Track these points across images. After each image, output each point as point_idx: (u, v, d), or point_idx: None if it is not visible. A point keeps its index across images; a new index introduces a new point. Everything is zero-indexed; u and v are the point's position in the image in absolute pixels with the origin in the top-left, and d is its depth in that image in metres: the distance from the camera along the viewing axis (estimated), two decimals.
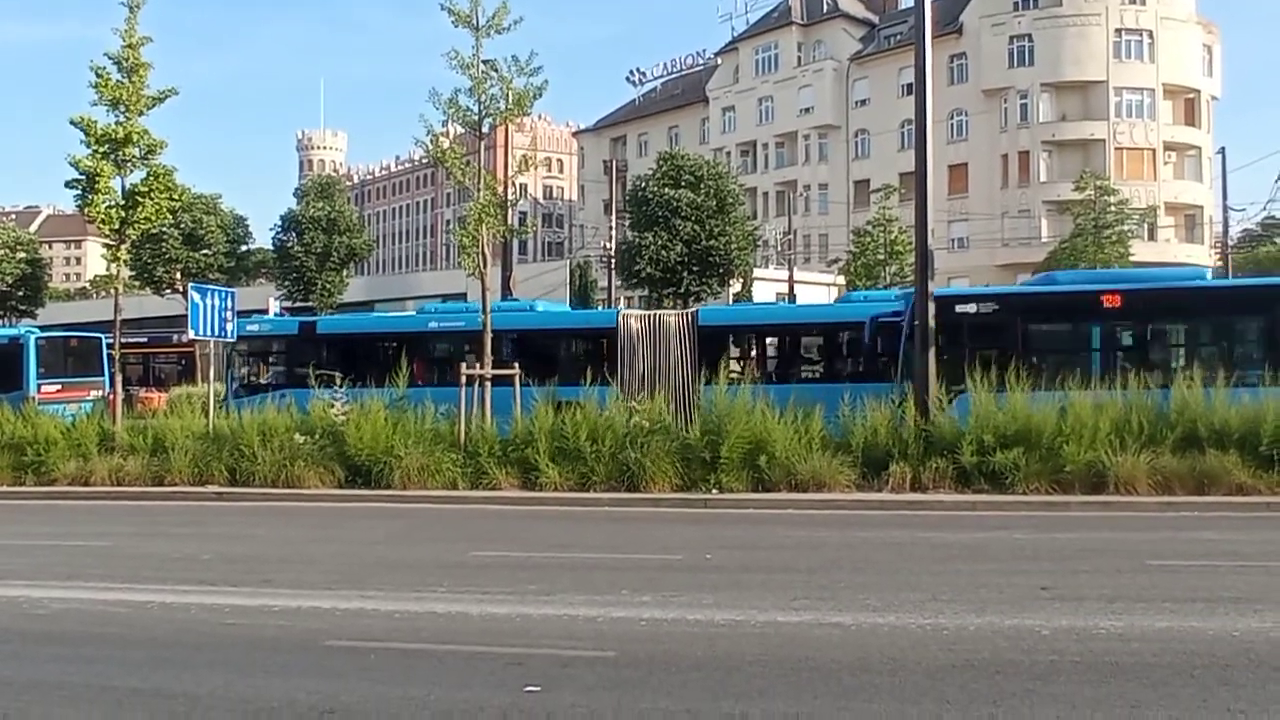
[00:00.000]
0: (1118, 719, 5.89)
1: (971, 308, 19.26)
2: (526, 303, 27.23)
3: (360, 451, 16.91)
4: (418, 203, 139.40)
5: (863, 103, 69.35)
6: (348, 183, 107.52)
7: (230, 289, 23.15)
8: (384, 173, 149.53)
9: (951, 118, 61.74)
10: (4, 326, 44.41)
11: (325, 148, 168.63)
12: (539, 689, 6.52)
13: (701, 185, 45.56)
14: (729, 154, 72.38)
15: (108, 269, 20.33)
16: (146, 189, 19.29)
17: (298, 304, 54.52)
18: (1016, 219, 59.10)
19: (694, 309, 27.17)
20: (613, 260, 47.91)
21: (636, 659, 7.17)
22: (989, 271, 55.21)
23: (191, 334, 20.37)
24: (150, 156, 19.43)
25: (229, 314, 20.17)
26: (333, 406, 18.05)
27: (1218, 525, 12.78)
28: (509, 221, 19.86)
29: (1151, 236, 55.94)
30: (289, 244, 56.07)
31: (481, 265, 18.54)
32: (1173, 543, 11.74)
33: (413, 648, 7.65)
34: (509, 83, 18.45)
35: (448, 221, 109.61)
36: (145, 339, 41.07)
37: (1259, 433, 14.67)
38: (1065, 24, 59.50)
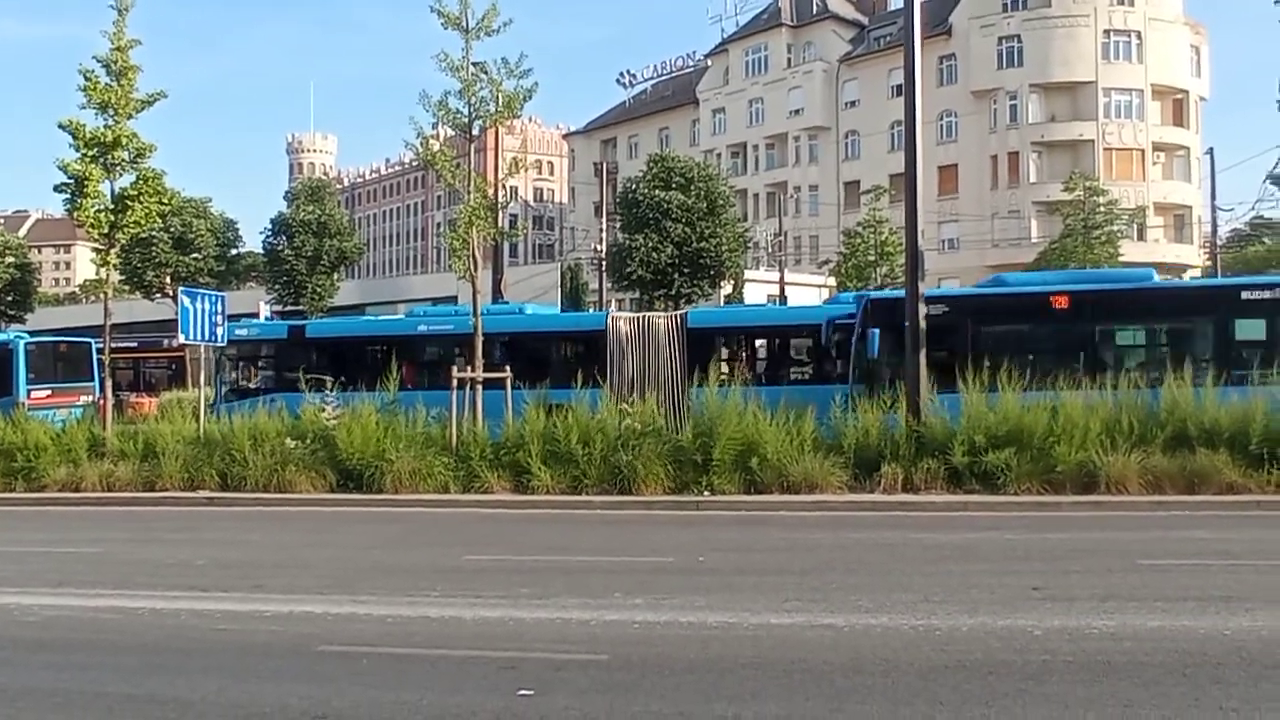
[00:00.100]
0: (1110, 718, 5.91)
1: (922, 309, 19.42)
2: (516, 306, 27.22)
3: (351, 456, 16.88)
4: (408, 206, 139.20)
5: (852, 104, 69.51)
6: (338, 186, 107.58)
7: (220, 293, 23.11)
8: (374, 176, 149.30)
9: (941, 119, 61.90)
10: None
11: (315, 150, 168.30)
12: (532, 693, 6.52)
13: (692, 187, 45.61)
14: (719, 155, 72.50)
15: (97, 273, 20.25)
16: (136, 193, 19.22)
17: (288, 308, 54.43)
18: (1006, 220, 59.26)
19: (683, 311, 27.19)
20: (604, 263, 47.94)
21: (629, 662, 7.17)
22: (980, 272, 55.08)
23: (182, 338, 20.29)
24: (139, 160, 19.36)
25: (219, 318, 20.13)
26: (324, 411, 18.02)
27: (1209, 524, 12.82)
28: (499, 224, 19.87)
29: (1141, 237, 56.12)
30: (279, 247, 55.98)
31: (472, 268, 18.53)
32: (1164, 542, 11.78)
33: (405, 652, 7.65)
34: (499, 85, 18.45)
35: (438, 224, 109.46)
36: (135, 343, 40.92)
37: (1249, 432, 14.73)
38: (1054, 25, 59.70)
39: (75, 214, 19.62)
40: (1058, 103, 60.22)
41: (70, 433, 19.32)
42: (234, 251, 61.75)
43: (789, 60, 72.98)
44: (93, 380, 28.26)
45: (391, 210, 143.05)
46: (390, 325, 27.39)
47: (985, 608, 8.41)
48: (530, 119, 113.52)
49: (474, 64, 18.48)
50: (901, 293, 23.90)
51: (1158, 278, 21.00)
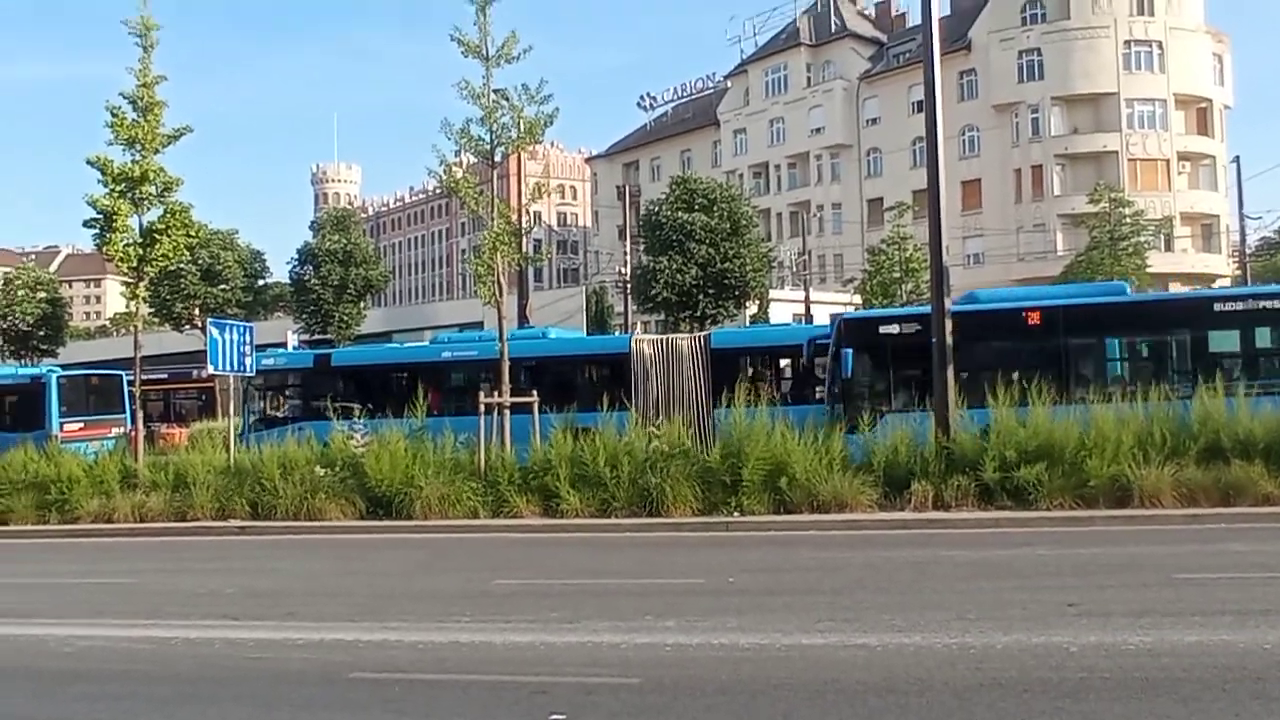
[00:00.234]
0: None
1: (895, 328, 19.45)
2: (539, 330, 27.31)
3: (381, 483, 16.94)
4: (432, 233, 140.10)
5: (873, 121, 69.50)
6: (363, 215, 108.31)
7: (248, 323, 23.32)
8: (398, 204, 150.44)
9: (963, 134, 61.78)
10: (26, 366, 44.71)
11: (340, 180, 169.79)
12: (564, 717, 6.50)
13: (715, 208, 45.59)
14: (741, 176, 72.58)
15: (127, 306, 20.48)
16: (164, 226, 19.41)
17: (316, 336, 54.73)
18: (1031, 233, 59.00)
19: (706, 332, 27.19)
20: (628, 285, 47.98)
21: (661, 685, 7.14)
22: (1005, 287, 55.03)
23: (211, 369, 20.48)
24: (167, 194, 19.56)
25: (248, 348, 20.29)
26: (352, 438, 18.10)
27: (1245, 537, 12.66)
28: (524, 249, 19.91)
29: (1168, 247, 55.76)
30: (306, 277, 56.33)
31: (497, 293, 18.58)
32: (1199, 555, 11.64)
33: (437, 678, 7.64)
34: (520, 111, 18.56)
35: (463, 251, 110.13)
36: (165, 375, 41.26)
37: None
38: (1074, 37, 59.55)
39: (105, 249, 19.83)
40: (1080, 115, 59.99)
41: (102, 465, 19.48)
42: (261, 282, 62.18)
43: (809, 79, 73.09)
44: (124, 412, 28.53)
45: (416, 238, 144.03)
46: (415, 352, 27.54)
47: (1020, 625, 8.32)
48: (552, 144, 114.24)
49: (495, 91, 18.60)
50: (874, 313, 24.46)
51: (1130, 291, 21.05)
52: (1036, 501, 14.62)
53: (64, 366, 36.59)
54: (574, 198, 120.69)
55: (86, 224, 19.69)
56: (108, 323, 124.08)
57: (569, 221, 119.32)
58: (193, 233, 20.38)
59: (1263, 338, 18.81)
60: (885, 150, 67.81)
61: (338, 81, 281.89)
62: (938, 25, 17.39)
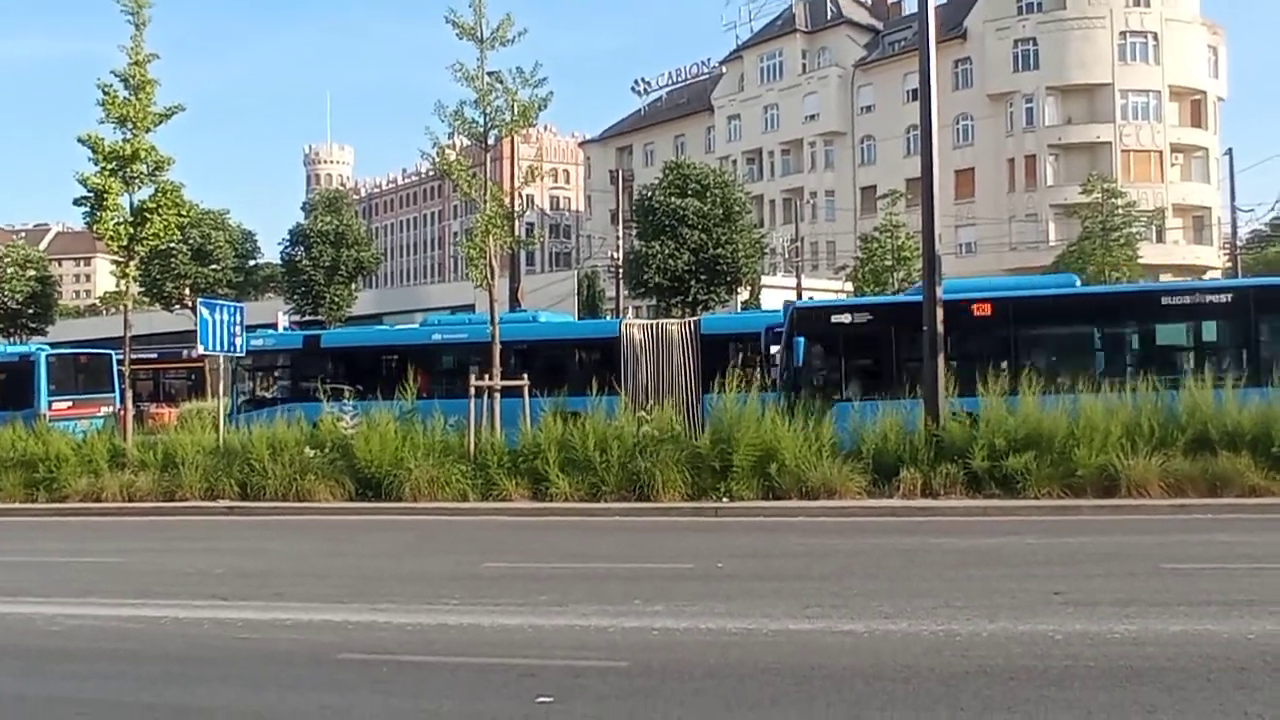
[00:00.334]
0: None
1: (846, 318, 19.55)
2: (529, 314, 27.28)
3: (370, 464, 16.92)
4: (425, 215, 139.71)
5: (868, 109, 69.46)
6: (355, 196, 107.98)
7: (239, 304, 23.23)
8: (391, 186, 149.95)
9: (957, 122, 61.78)
10: (15, 344, 44.56)
11: (332, 161, 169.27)
12: (552, 700, 6.52)
13: (708, 194, 45.59)
14: (735, 162, 72.51)
15: (117, 285, 20.32)
16: (155, 205, 19.33)
17: (307, 318, 54.67)
18: (1024, 223, 59.05)
19: (696, 318, 27.20)
20: (620, 270, 47.96)
21: (649, 668, 7.16)
22: (997, 276, 55.11)
23: (201, 349, 20.41)
24: (158, 173, 19.47)
25: (238, 329, 20.23)
26: (341, 420, 18.08)
27: (1231, 527, 12.70)
28: (516, 233, 19.87)
29: (1160, 239, 55.83)
30: (297, 258, 56.24)
31: (489, 277, 18.56)
32: (1186, 545, 11.69)
33: (425, 660, 7.66)
34: (514, 94, 18.52)
35: (455, 234, 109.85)
36: (155, 355, 41.24)
37: (1271, 435, 14.62)
38: (1069, 27, 59.52)
39: (95, 227, 19.74)
40: (1074, 105, 60.02)
41: (91, 444, 19.43)
42: (252, 262, 62.15)
43: (804, 66, 72.99)
44: (113, 391, 28.45)
45: (408, 220, 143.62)
46: (405, 334, 27.50)
47: (1006, 613, 8.36)
48: (546, 128, 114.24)
49: (489, 74, 18.54)
50: (826, 302, 24.66)
51: (1079, 283, 21.36)
52: (1025, 490, 14.66)
53: (53, 345, 36.55)
54: (567, 182, 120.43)
55: (77, 202, 19.59)
56: (97, 301, 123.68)
57: (562, 206, 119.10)
58: (184, 212, 20.28)
59: (1208, 331, 19.20)
60: (879, 138, 67.84)
61: (331, 61, 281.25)
62: (934, 13, 17.35)
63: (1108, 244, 46.96)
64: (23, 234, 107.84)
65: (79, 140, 19.15)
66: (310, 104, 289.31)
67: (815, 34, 73.52)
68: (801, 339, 18.67)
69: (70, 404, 27.61)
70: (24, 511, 18.03)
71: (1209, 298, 19.42)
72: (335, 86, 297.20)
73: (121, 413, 22.45)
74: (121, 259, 19.87)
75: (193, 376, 40.24)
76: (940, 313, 16.66)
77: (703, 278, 45.01)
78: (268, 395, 26.09)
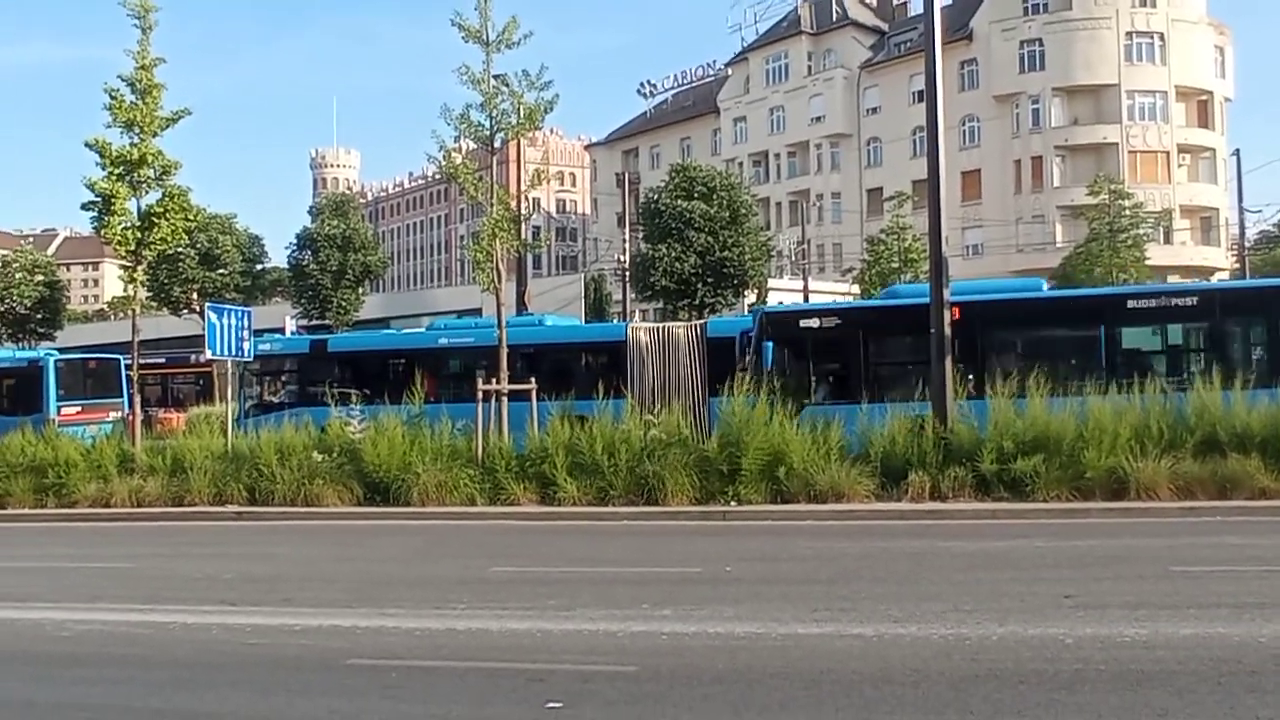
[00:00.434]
0: None
1: (815, 322, 19.58)
2: (535, 317, 27.30)
3: (378, 469, 16.94)
4: (431, 219, 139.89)
5: (874, 110, 69.39)
6: (361, 200, 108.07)
7: (246, 308, 23.28)
8: (397, 189, 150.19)
9: (963, 124, 61.70)
10: (23, 349, 44.69)
11: (339, 165, 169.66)
12: (561, 705, 6.51)
13: (714, 196, 45.56)
14: (741, 164, 72.52)
15: (125, 290, 20.38)
16: (162, 210, 19.41)
17: (314, 322, 54.75)
18: (1031, 225, 58.97)
19: (702, 321, 27.18)
20: (627, 273, 47.95)
21: (658, 673, 7.15)
22: (1005, 278, 55.01)
23: (209, 354, 20.45)
24: (165, 177, 19.55)
25: (246, 333, 20.24)
26: (349, 424, 18.09)
27: (1241, 530, 12.67)
28: (523, 236, 19.87)
29: (1167, 240, 55.73)
30: (304, 262, 56.34)
31: (496, 280, 18.57)
32: (1195, 548, 11.64)
33: (434, 665, 7.65)
34: (520, 97, 18.52)
35: (461, 237, 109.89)
36: (163, 359, 41.26)
37: None
38: (1076, 28, 59.43)
39: (103, 232, 19.81)
40: (1081, 106, 59.91)
41: (100, 449, 19.47)
42: (260, 267, 62.22)
43: (809, 68, 72.96)
44: (121, 396, 28.52)
45: (415, 224, 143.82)
46: (412, 339, 27.54)
47: (1016, 616, 8.33)
48: (551, 131, 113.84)
49: (495, 77, 18.56)
50: (795, 307, 24.70)
51: (1046, 287, 21.38)
52: (1033, 493, 14.61)
53: (61, 350, 36.60)
54: (573, 185, 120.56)
55: (84, 207, 19.69)
56: (105, 306, 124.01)
57: (568, 209, 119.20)
58: (191, 216, 20.37)
59: (1174, 334, 19.24)
60: (885, 140, 67.74)
61: (338, 66, 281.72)
62: (939, 14, 17.33)
63: (1115, 245, 46.91)
64: (31, 239, 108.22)
65: (86, 145, 19.25)
66: (316, 108, 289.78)
67: (820, 36, 73.48)
68: (770, 343, 18.78)
69: (79, 409, 27.68)
70: (33, 517, 18.08)
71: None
72: (341, 90, 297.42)
73: (130, 418, 22.49)
74: (129, 264, 19.96)
75: (201, 381, 40.30)
76: (947, 316, 16.61)
77: (709, 281, 44.97)
78: (275, 400, 26.14)
